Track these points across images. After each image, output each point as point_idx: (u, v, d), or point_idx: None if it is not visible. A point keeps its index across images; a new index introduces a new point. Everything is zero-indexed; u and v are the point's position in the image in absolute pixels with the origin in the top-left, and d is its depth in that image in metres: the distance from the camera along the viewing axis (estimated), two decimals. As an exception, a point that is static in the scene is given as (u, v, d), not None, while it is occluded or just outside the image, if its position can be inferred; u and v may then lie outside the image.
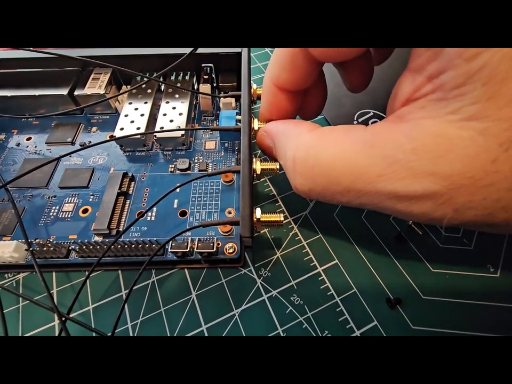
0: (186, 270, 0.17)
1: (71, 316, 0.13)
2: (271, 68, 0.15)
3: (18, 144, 0.22)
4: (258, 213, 0.15)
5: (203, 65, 0.23)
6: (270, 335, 0.15)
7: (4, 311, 0.13)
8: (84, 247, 0.16)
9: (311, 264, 0.17)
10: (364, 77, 0.17)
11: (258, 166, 0.16)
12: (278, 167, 0.16)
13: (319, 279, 0.17)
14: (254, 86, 0.20)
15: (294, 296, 0.16)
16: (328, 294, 0.16)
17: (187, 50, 0.19)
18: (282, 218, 0.15)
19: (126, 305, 0.16)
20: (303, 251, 0.18)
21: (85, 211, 0.18)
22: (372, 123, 0.23)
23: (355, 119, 0.24)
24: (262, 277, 0.17)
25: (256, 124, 0.17)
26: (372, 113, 0.24)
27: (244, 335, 0.15)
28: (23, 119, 0.23)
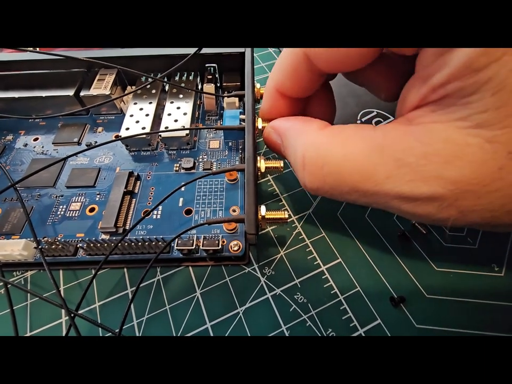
0: (191, 268, 0.17)
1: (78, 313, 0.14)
2: (274, 73, 0.16)
3: (25, 145, 0.22)
4: (263, 210, 0.15)
5: (207, 65, 0.23)
6: (274, 334, 0.15)
7: (13, 308, 0.13)
8: (91, 245, 0.16)
9: (314, 263, 0.18)
10: (391, 82, 0.15)
11: (262, 164, 0.16)
12: (282, 165, 0.16)
13: (323, 277, 0.17)
14: (258, 85, 0.20)
15: (298, 295, 0.16)
16: (332, 292, 0.16)
17: (191, 50, 0.20)
18: (287, 216, 0.15)
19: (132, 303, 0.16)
20: (307, 250, 0.18)
21: (92, 210, 0.19)
22: (375, 122, 0.23)
23: (358, 118, 0.24)
24: (266, 276, 0.17)
25: (260, 123, 0.17)
26: (375, 113, 0.24)
27: (248, 333, 0.15)
28: (30, 120, 0.23)
